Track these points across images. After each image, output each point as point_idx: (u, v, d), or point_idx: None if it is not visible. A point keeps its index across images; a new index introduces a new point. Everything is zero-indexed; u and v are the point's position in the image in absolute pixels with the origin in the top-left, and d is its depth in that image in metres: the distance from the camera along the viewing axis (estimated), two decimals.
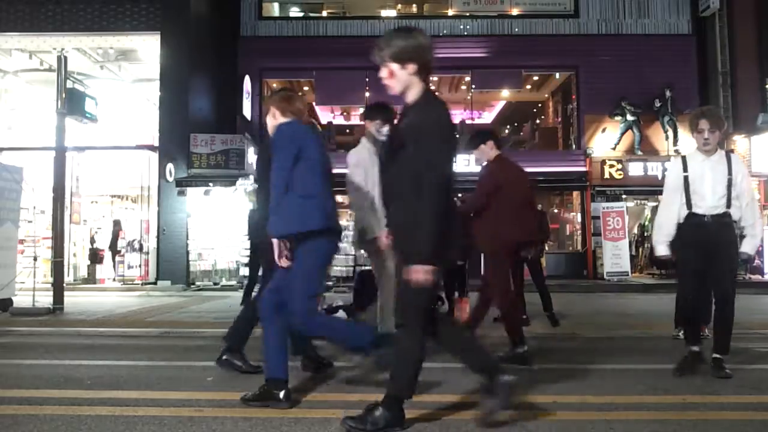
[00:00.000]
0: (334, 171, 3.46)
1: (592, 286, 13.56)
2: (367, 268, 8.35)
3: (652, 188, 15.58)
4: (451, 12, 17.04)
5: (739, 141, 15.46)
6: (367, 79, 15.50)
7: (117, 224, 14.72)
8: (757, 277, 13.32)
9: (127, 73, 14.83)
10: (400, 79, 2.73)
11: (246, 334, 4.04)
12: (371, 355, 3.22)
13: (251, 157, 14.00)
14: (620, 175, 15.63)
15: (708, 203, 3.90)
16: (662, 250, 4.17)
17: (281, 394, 3.09)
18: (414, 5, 17.98)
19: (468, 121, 17.89)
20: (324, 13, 17.82)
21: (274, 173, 3.08)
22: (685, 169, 4.01)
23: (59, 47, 12.79)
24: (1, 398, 3.31)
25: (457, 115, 18.63)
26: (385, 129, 4.12)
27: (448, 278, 7.37)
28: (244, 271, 11.38)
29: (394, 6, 17.82)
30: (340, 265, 13.09)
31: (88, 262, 14.18)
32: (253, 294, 4.70)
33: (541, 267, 7.25)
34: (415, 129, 2.66)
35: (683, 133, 15.71)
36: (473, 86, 17.45)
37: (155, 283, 12.77)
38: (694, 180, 3.94)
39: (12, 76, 14.83)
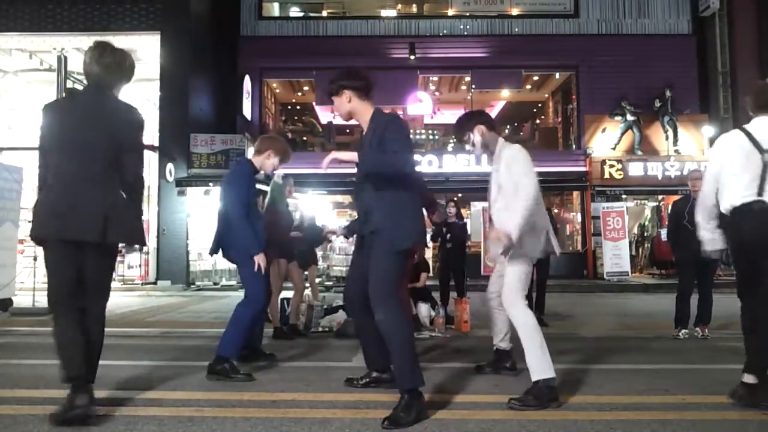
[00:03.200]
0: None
1: (592, 286, 13.56)
2: None
3: (652, 188, 15.60)
4: (451, 12, 17.04)
5: None
6: None
7: None
8: None
9: None
10: None
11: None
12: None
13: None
14: (620, 175, 15.63)
15: None
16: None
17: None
18: (414, 5, 17.99)
19: None
20: (324, 13, 17.82)
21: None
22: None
23: (59, 47, 12.79)
24: (1, 398, 3.31)
25: (458, 115, 18.64)
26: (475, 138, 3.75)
27: (444, 280, 7.37)
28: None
29: (394, 6, 17.82)
30: (339, 265, 13.09)
31: None
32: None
33: (548, 267, 7.14)
34: None
35: (683, 132, 15.74)
36: (473, 86, 17.45)
37: (155, 283, 12.78)
38: None
39: (12, 76, 14.84)
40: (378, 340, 3.25)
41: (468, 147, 3.79)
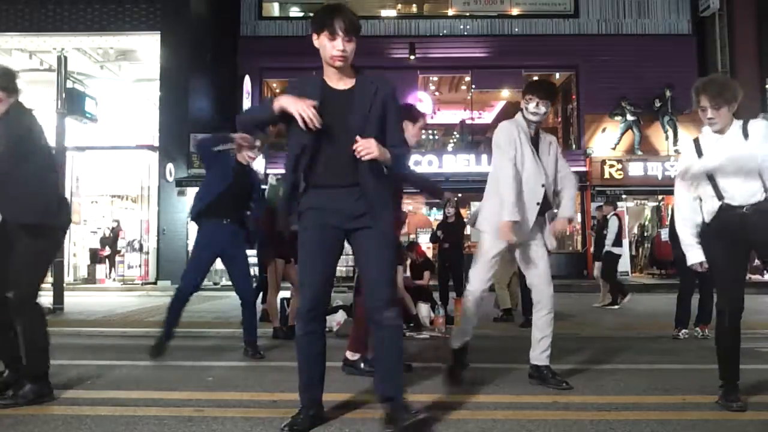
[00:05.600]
0: None
1: (592, 286, 13.52)
2: None
3: (652, 188, 15.61)
4: (451, 12, 17.05)
5: None
6: None
7: (117, 224, 14.73)
8: (756, 277, 13.30)
9: (127, 73, 14.83)
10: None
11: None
12: None
13: None
14: (620, 175, 15.63)
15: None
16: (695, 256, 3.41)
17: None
18: (414, 5, 17.99)
19: (468, 121, 17.92)
20: None
21: None
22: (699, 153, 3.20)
23: (59, 47, 12.78)
24: None
25: (458, 115, 18.66)
26: (541, 108, 3.78)
27: (442, 279, 7.40)
28: None
29: (394, 6, 17.83)
30: (340, 265, 13.08)
31: (89, 262, 14.20)
32: None
33: None
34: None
35: (683, 132, 15.74)
36: (473, 86, 17.45)
37: (155, 283, 12.78)
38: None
39: None
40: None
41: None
